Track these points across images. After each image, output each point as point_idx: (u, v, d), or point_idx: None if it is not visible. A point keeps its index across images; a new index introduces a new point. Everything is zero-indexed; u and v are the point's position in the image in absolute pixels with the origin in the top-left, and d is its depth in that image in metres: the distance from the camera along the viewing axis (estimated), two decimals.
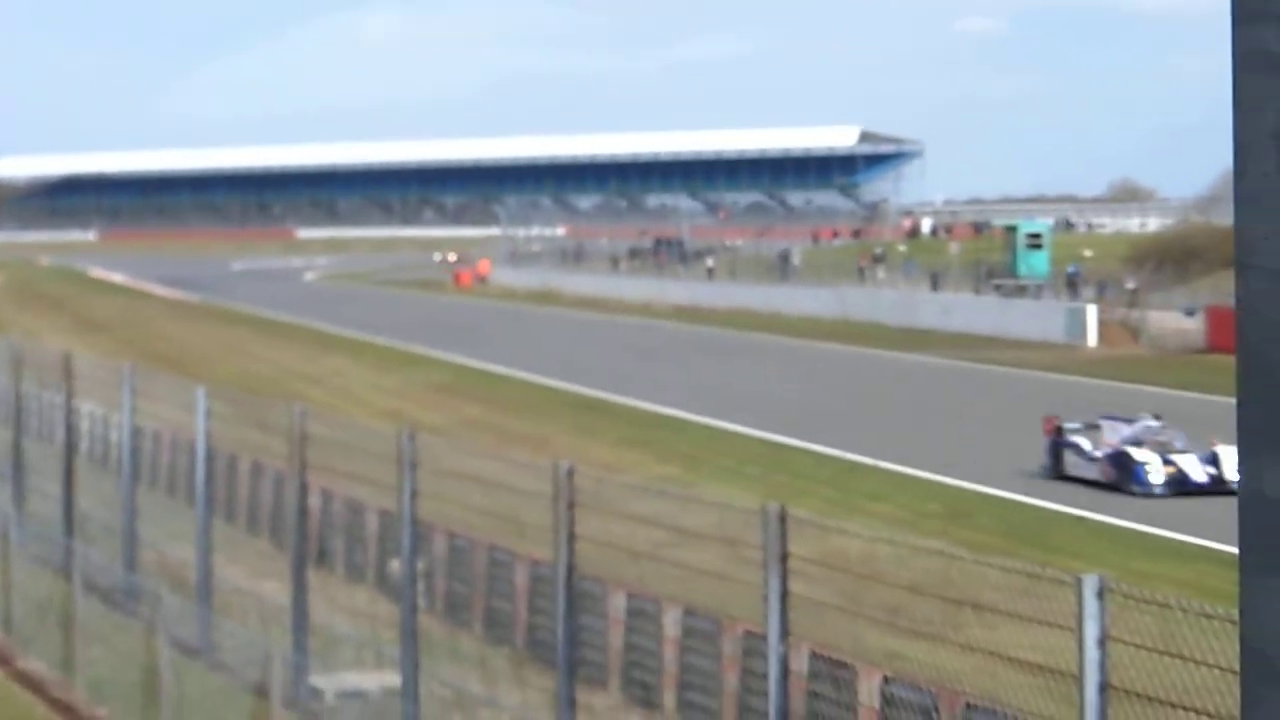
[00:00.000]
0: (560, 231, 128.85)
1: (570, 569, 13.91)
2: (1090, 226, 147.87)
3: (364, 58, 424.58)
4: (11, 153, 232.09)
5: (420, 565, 16.68)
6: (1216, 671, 9.28)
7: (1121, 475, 29.35)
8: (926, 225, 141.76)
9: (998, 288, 70.25)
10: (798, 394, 45.52)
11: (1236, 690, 3.11)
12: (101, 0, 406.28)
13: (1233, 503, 3.04)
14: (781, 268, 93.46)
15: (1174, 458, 29.09)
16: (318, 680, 17.36)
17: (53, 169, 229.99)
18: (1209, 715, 9.65)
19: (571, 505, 13.87)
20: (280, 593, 18.95)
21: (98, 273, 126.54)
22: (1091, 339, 58.61)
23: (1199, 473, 28.83)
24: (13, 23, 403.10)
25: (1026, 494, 29.27)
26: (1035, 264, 70.76)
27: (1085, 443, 30.61)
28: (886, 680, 12.70)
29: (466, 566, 19.72)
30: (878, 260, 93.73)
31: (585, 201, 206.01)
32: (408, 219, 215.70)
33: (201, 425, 20.83)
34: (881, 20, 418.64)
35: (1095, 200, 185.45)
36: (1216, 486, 28.24)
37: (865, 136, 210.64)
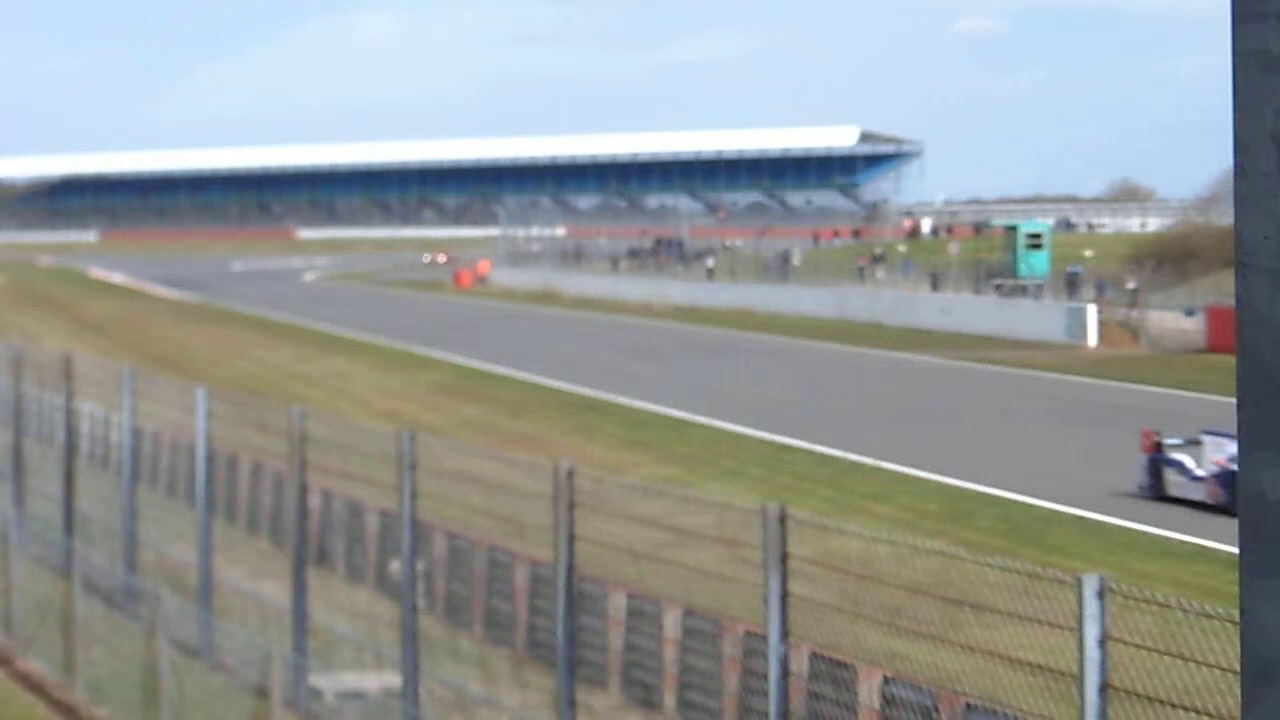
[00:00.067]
0: (560, 231, 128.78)
1: (570, 569, 13.91)
2: (1090, 226, 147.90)
3: (364, 58, 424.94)
4: (11, 153, 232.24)
5: (420, 566, 16.68)
6: (1217, 671, 9.28)
7: (1232, 497, 26.30)
8: (926, 225, 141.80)
9: (998, 288, 70.24)
10: (798, 394, 45.51)
11: (1237, 690, 3.11)
12: (102, 1, 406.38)
13: None
14: (781, 268, 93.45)
15: None
16: (318, 681, 17.35)
17: (53, 170, 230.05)
18: (1209, 715, 9.65)
19: (571, 506, 13.87)
20: (280, 593, 18.95)
21: (97, 273, 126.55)
22: (1092, 339, 58.61)
23: None
24: (13, 24, 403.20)
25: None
26: (1036, 264, 70.74)
27: (1189, 460, 27.90)
28: (887, 680, 12.70)
29: (466, 567, 19.71)
30: (877, 260, 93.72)
31: (585, 201, 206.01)
32: (407, 219, 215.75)
33: (201, 426, 20.83)
34: (882, 20, 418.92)
35: (1095, 200, 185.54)
36: None
37: (865, 136, 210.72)
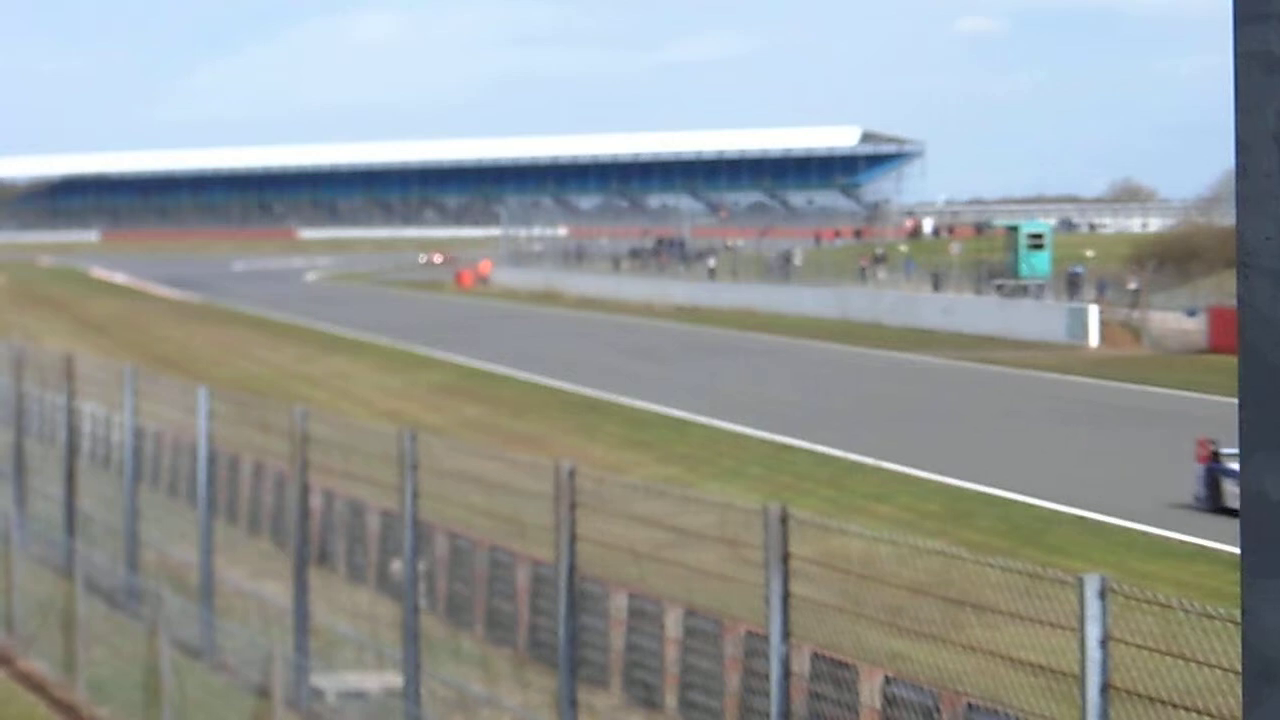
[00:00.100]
0: (562, 231, 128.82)
1: (572, 569, 13.91)
2: (1092, 227, 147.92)
3: (365, 58, 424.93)
4: (12, 153, 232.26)
5: (421, 566, 16.68)
6: (1218, 672, 9.28)
7: None
8: (928, 225, 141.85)
9: (999, 288, 70.24)
10: (799, 394, 45.51)
11: (1238, 690, 3.11)
12: (103, 2, 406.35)
13: None
14: (783, 268, 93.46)
15: None
16: (319, 681, 17.36)
17: (54, 169, 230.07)
18: (1211, 716, 9.65)
19: (573, 506, 13.87)
20: (282, 593, 18.95)
21: (99, 273, 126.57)
22: (1093, 339, 58.61)
23: None
24: (13, 24, 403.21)
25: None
26: (1037, 264, 70.75)
27: None
28: (888, 680, 12.70)
29: (468, 567, 19.71)
30: (879, 260, 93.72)
31: (587, 201, 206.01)
32: (409, 219, 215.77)
33: (203, 426, 20.83)
34: (883, 20, 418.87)
35: (1097, 200, 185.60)
36: None
37: (867, 137, 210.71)
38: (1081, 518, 26.81)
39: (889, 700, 12.57)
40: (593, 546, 14.29)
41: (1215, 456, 26.91)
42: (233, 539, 23.70)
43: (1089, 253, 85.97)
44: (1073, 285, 67.96)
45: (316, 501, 21.27)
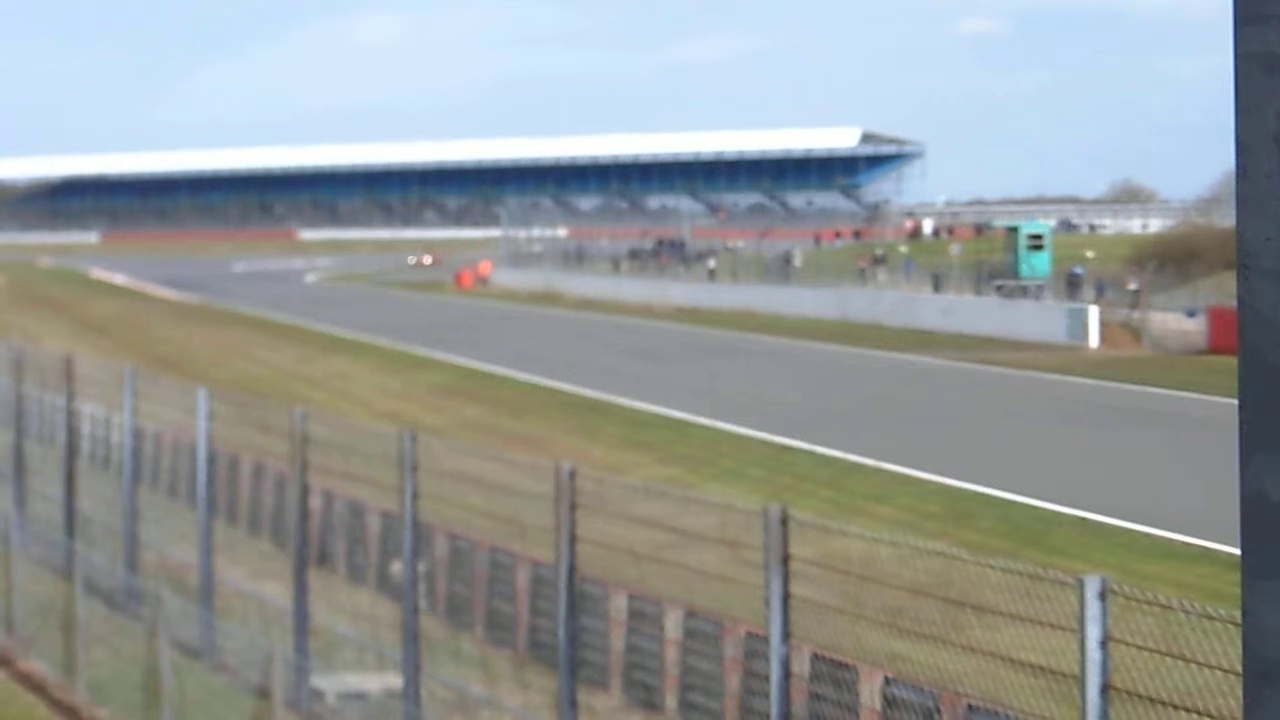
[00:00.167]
0: (561, 232, 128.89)
1: (572, 570, 13.91)
2: (1092, 227, 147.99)
3: (365, 59, 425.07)
4: (12, 154, 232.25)
5: (421, 567, 16.68)
6: (1219, 673, 9.28)
7: None
8: (928, 226, 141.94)
9: (999, 289, 70.25)
10: (799, 395, 45.52)
11: (1239, 692, 3.11)
12: (103, 2, 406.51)
13: None
14: (782, 269, 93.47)
15: None
16: (319, 682, 17.36)
17: (54, 171, 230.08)
18: (1211, 717, 9.64)
19: (573, 507, 13.87)
20: (282, 594, 18.95)
21: (99, 274, 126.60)
22: (1093, 340, 58.61)
23: None
24: (14, 25, 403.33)
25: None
26: (1037, 265, 70.76)
27: None
28: (888, 681, 12.70)
29: (468, 568, 19.71)
30: (879, 261, 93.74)
31: (586, 202, 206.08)
32: (409, 220, 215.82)
33: (203, 427, 20.83)
34: (883, 21, 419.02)
35: (1097, 201, 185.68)
36: None
37: (867, 137, 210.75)
38: (1082, 519, 26.81)
39: (889, 701, 12.57)
40: (593, 547, 14.29)
41: None
42: (232, 540, 23.70)
43: (1089, 253, 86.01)
44: (1073, 286, 67.97)
45: (316, 502, 21.28)
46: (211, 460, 21.17)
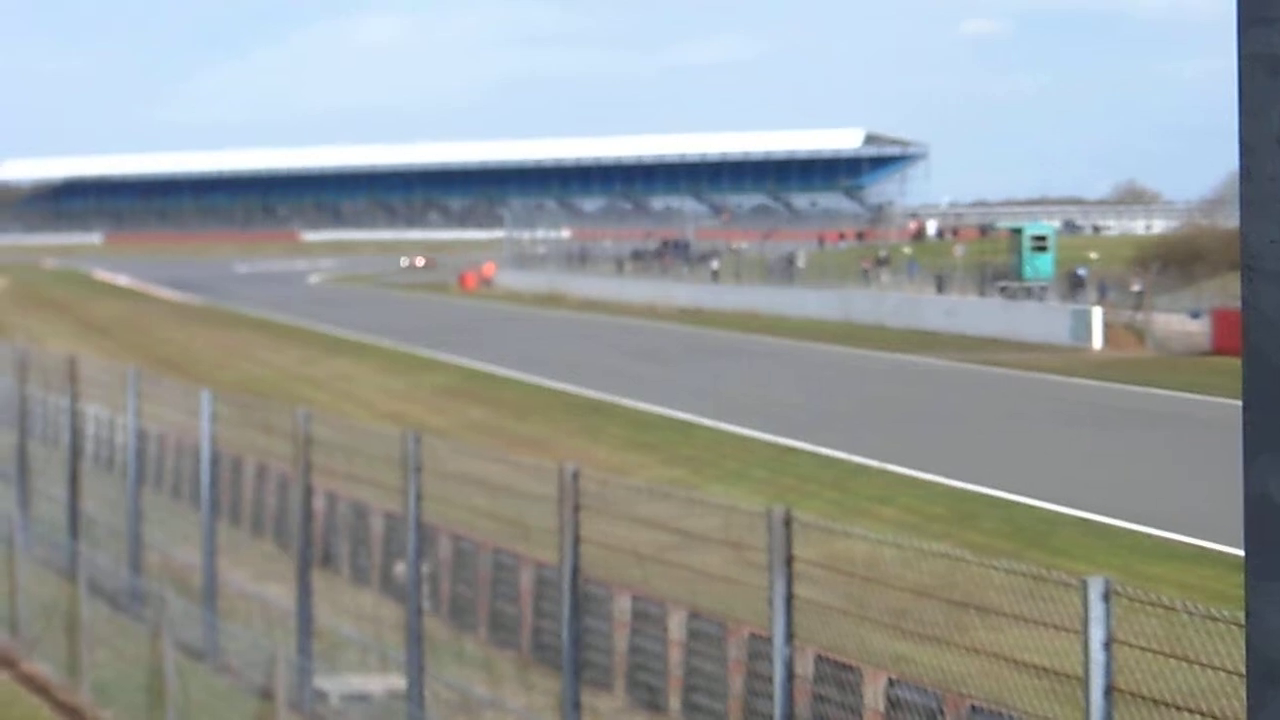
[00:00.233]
0: (565, 234, 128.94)
1: (575, 571, 13.91)
2: (1095, 229, 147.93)
3: (368, 60, 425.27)
4: (16, 156, 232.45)
5: (425, 568, 16.68)
6: (1222, 674, 9.27)
7: None
8: (931, 227, 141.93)
9: (1003, 290, 70.24)
10: (803, 396, 45.51)
11: (1242, 693, 3.11)
12: (106, 4, 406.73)
13: None
14: (786, 270, 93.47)
15: None
16: (323, 683, 17.36)
17: (57, 172, 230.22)
18: (1214, 718, 9.64)
19: (577, 508, 13.87)
20: (285, 595, 18.95)
21: (102, 276, 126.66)
22: (1097, 341, 58.59)
23: None
24: (16, 26, 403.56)
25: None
26: (1040, 266, 70.75)
27: None
28: (892, 683, 12.70)
29: (471, 569, 19.72)
30: (882, 262, 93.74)
31: (590, 204, 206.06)
32: (412, 221, 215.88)
33: (206, 428, 20.84)
34: (886, 22, 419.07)
35: (1100, 202, 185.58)
36: None
37: (870, 139, 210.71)
38: (1086, 520, 26.80)
39: (892, 702, 12.58)
40: (596, 549, 14.29)
41: None
42: (236, 541, 23.70)
43: (1093, 255, 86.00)
44: (1076, 287, 67.95)
45: (320, 503, 21.28)
46: (215, 461, 21.17)
